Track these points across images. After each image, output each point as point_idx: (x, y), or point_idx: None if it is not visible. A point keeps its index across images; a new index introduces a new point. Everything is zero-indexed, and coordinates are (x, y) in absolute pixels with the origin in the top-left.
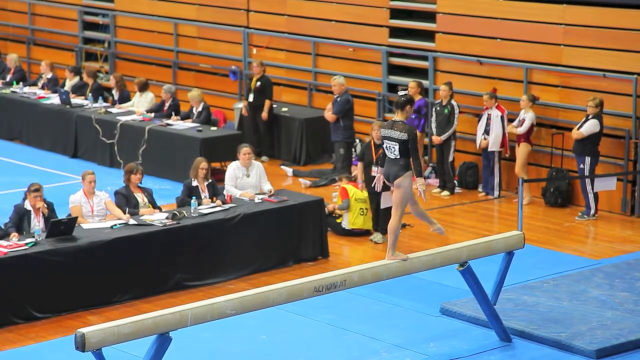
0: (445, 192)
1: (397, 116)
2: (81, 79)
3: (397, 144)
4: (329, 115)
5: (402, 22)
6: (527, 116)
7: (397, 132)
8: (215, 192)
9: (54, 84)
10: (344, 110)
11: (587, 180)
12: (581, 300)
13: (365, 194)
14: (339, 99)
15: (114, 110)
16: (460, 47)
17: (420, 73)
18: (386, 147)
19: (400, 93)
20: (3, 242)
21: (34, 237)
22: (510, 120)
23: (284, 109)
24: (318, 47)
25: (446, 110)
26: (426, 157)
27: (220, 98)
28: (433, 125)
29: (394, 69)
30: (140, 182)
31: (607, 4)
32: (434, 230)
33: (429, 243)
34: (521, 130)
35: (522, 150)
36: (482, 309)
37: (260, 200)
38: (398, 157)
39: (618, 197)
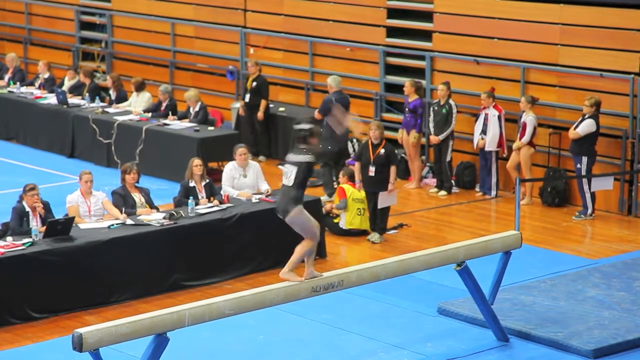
0: (443, 192)
1: (302, 145)
2: (78, 78)
3: (295, 167)
4: (315, 113)
5: (399, 22)
6: (528, 120)
7: (301, 155)
8: (213, 192)
9: (51, 84)
10: (326, 109)
11: (584, 180)
12: (578, 300)
13: (362, 194)
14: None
15: (111, 110)
16: (458, 47)
17: (418, 73)
18: (285, 172)
19: (299, 127)
20: (0, 242)
21: (31, 237)
22: (508, 120)
23: (281, 109)
24: (315, 46)
25: (444, 110)
26: (423, 157)
27: (217, 98)
28: (431, 125)
29: (391, 69)
30: (137, 182)
31: (604, 4)
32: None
33: (427, 243)
34: (525, 139)
35: (524, 154)
36: (479, 309)
37: (257, 200)
38: (292, 183)
39: (615, 196)
